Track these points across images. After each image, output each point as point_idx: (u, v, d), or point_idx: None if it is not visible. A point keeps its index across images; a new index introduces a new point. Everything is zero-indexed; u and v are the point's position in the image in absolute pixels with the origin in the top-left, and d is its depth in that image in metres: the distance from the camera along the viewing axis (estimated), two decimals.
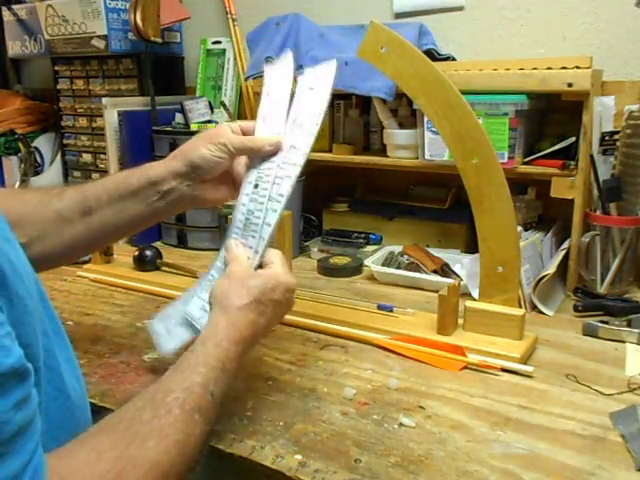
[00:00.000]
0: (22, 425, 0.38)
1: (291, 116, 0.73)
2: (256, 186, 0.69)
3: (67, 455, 0.43)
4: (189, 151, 0.71)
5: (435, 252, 1.10)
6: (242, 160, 0.74)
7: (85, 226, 0.70)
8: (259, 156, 0.71)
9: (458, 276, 1.01)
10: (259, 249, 0.67)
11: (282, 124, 0.72)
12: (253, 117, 0.91)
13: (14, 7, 1.51)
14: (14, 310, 0.41)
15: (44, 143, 1.61)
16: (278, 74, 0.77)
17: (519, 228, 0.95)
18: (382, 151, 1.18)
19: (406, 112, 1.15)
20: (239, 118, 1.46)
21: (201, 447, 0.52)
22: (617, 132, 0.97)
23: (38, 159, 1.59)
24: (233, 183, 0.74)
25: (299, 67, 1.16)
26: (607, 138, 0.97)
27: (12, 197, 0.72)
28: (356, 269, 1.12)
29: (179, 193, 0.71)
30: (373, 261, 1.09)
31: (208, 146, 0.70)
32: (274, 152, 0.70)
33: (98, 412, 0.63)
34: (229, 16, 1.44)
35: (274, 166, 0.70)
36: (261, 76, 1.15)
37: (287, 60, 0.77)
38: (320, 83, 0.74)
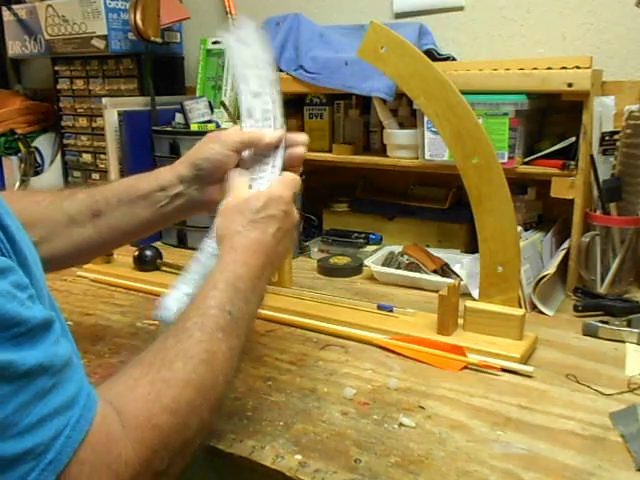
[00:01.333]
0: (66, 358, 0.42)
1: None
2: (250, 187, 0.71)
3: (108, 386, 0.47)
4: (193, 155, 0.73)
5: (435, 252, 1.10)
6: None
7: (94, 229, 0.72)
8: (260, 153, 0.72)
9: (458, 276, 1.01)
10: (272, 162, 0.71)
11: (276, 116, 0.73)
12: None
13: (14, 7, 1.51)
14: (36, 292, 0.44)
15: (44, 143, 1.61)
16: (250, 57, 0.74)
17: (519, 228, 0.95)
18: (382, 151, 1.18)
19: (406, 112, 1.15)
20: (239, 118, 1.46)
21: (232, 362, 0.54)
22: (617, 132, 0.97)
23: (38, 159, 1.59)
24: None
25: (299, 67, 1.17)
26: (607, 138, 0.97)
27: (23, 198, 0.74)
28: (356, 269, 1.12)
29: (187, 197, 0.72)
30: (373, 261, 1.09)
31: (210, 146, 0.71)
32: (275, 144, 0.71)
33: None
34: (229, 16, 1.44)
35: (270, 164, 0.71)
36: None
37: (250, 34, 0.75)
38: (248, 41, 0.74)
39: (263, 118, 0.72)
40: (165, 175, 0.72)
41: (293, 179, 0.70)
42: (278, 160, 0.71)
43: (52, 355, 0.41)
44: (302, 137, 0.74)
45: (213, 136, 0.73)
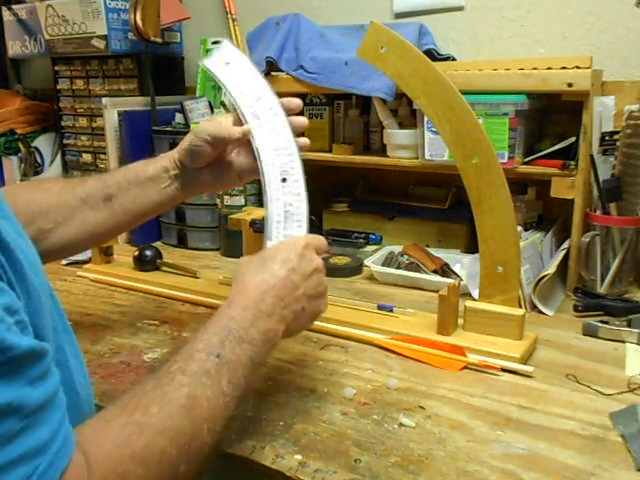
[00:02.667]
0: (45, 399, 0.39)
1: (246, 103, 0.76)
2: (284, 180, 0.72)
3: (80, 428, 0.44)
4: (181, 143, 0.78)
5: (435, 252, 1.10)
6: (243, 151, 0.79)
7: (108, 212, 0.76)
8: (264, 150, 0.74)
9: (458, 276, 1.01)
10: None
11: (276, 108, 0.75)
12: None
13: (14, 7, 1.51)
14: (31, 302, 0.42)
15: (44, 143, 1.61)
16: (237, 69, 0.78)
17: (519, 228, 0.95)
18: (382, 151, 1.18)
19: (406, 112, 1.15)
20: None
21: (221, 410, 0.50)
22: (617, 132, 0.97)
23: (38, 159, 1.59)
24: (234, 171, 0.80)
25: (299, 67, 1.17)
26: (607, 138, 0.97)
27: (32, 189, 0.77)
28: (356, 269, 1.12)
29: (182, 179, 0.79)
30: (373, 261, 1.09)
31: (191, 138, 0.77)
32: (243, 139, 0.75)
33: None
34: (229, 16, 1.44)
35: (295, 158, 0.73)
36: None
37: (231, 52, 0.79)
38: (232, 58, 0.79)
39: (270, 116, 0.75)
40: (165, 160, 0.79)
41: (315, 238, 0.67)
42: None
43: (25, 396, 0.38)
44: (295, 101, 0.76)
45: (196, 130, 0.77)
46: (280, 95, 0.76)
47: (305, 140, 0.77)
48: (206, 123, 0.78)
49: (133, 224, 0.82)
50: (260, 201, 1.25)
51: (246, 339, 0.55)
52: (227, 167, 0.79)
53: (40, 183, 0.78)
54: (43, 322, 0.44)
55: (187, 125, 1.27)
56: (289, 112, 0.75)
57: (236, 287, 0.60)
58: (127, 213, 0.77)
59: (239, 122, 0.76)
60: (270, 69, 1.17)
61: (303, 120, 0.77)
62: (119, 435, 0.43)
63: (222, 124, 0.76)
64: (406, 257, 1.07)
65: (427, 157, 1.06)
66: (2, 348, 0.36)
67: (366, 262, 1.09)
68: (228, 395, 0.51)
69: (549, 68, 0.94)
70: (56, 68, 1.51)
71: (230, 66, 0.78)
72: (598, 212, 0.97)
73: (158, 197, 0.78)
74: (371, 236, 1.24)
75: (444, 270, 1.05)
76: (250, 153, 0.76)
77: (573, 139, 0.99)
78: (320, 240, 0.68)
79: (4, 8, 1.52)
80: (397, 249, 1.12)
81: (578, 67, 0.92)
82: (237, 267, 0.64)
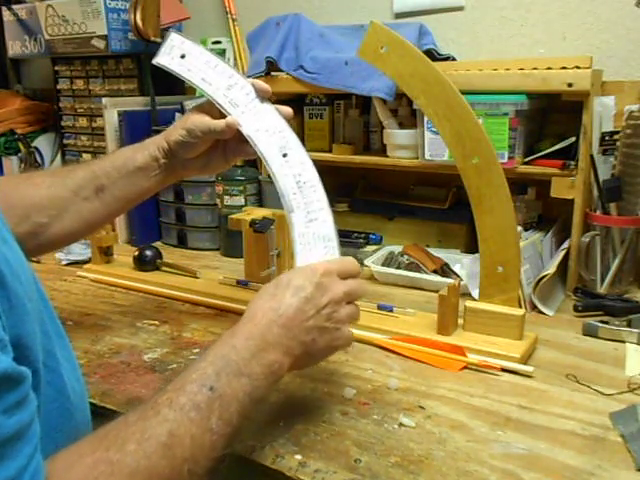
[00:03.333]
0: (18, 429, 0.37)
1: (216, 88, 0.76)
2: (285, 155, 0.72)
3: (52, 459, 0.41)
4: (169, 135, 0.79)
5: (435, 252, 1.10)
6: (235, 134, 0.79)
7: (100, 202, 0.78)
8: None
9: (458, 276, 1.01)
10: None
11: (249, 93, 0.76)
12: None
13: (14, 7, 1.51)
14: (13, 311, 0.41)
15: (44, 143, 1.61)
16: (195, 61, 0.78)
17: (519, 228, 0.95)
18: (382, 151, 1.18)
19: (406, 112, 1.15)
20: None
21: (207, 450, 0.46)
22: (617, 132, 0.97)
23: (38, 159, 1.59)
24: (222, 156, 0.81)
25: (299, 67, 1.17)
26: (607, 138, 0.97)
27: (22, 184, 0.77)
28: None
29: (172, 166, 0.80)
30: (373, 261, 1.09)
31: (180, 132, 0.77)
32: (231, 132, 0.75)
33: (98, 412, 0.63)
34: (229, 16, 1.44)
35: (287, 134, 0.73)
36: (262, 75, 1.16)
37: (181, 43, 0.78)
38: (187, 50, 0.78)
39: (249, 101, 0.75)
40: (153, 148, 0.79)
41: (340, 262, 0.64)
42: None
43: None
44: (265, 87, 0.76)
45: (184, 121, 0.78)
46: (280, 95, 0.77)
47: (287, 109, 0.77)
48: (195, 118, 0.77)
49: (126, 209, 0.84)
50: (260, 201, 1.25)
51: (245, 372, 0.51)
52: (216, 153, 0.81)
53: (29, 178, 0.78)
54: (28, 329, 0.42)
55: None
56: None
57: (245, 314, 0.57)
58: (119, 201, 0.79)
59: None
60: (270, 69, 1.18)
61: (287, 109, 0.77)
62: (88, 474, 0.40)
63: (209, 119, 0.76)
64: (406, 257, 1.07)
65: (427, 157, 1.06)
66: None
67: (366, 262, 1.09)
68: (216, 433, 0.47)
69: (549, 68, 0.94)
70: (56, 68, 1.51)
71: (187, 58, 0.77)
72: (598, 212, 0.97)
73: (148, 184, 0.79)
74: (371, 236, 1.24)
75: (444, 270, 1.05)
76: (236, 136, 0.76)
77: (573, 139, 0.99)
78: (346, 264, 0.63)
79: (4, 8, 1.52)
80: (397, 249, 1.12)
81: (578, 67, 0.92)
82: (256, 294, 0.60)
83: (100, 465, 0.40)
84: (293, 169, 0.71)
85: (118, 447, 0.42)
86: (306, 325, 0.57)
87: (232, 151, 0.81)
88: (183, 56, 0.77)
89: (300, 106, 1.25)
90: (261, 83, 0.76)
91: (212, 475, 0.48)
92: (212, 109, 0.77)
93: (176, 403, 0.46)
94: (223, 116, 0.76)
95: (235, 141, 0.78)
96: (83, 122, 1.48)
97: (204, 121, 0.76)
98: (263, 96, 0.76)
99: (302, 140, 1.27)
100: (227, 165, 0.84)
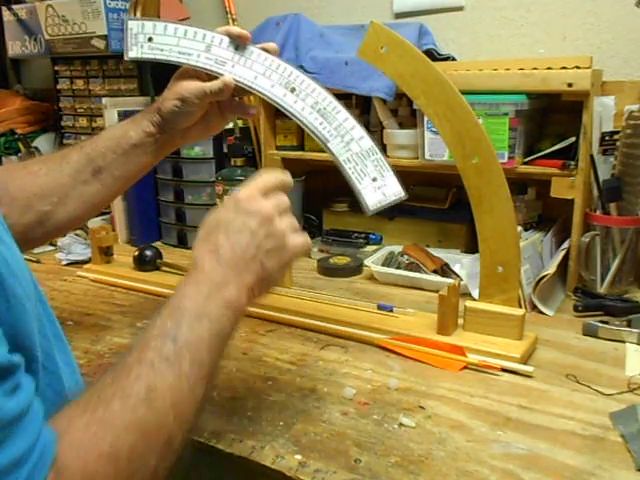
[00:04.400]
0: (21, 409, 0.38)
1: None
2: (293, 90, 0.72)
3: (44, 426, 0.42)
4: (162, 107, 0.77)
5: (435, 252, 1.10)
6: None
7: (100, 184, 0.77)
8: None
9: (458, 276, 1.01)
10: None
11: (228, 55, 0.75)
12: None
13: (14, 7, 1.51)
14: (12, 311, 0.41)
15: (44, 143, 1.61)
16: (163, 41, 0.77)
17: (519, 228, 0.95)
18: (382, 151, 1.18)
19: (406, 112, 1.15)
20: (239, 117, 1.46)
21: (187, 394, 0.47)
22: (617, 132, 0.97)
23: None
24: (219, 115, 0.80)
25: (299, 67, 1.16)
26: (607, 138, 0.97)
27: (20, 174, 0.76)
28: (356, 269, 1.12)
29: (171, 137, 0.79)
30: (373, 261, 1.09)
31: (174, 102, 0.75)
32: (229, 90, 0.74)
33: None
34: (229, 16, 1.44)
35: (285, 68, 0.72)
36: None
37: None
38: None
39: (233, 53, 0.74)
40: (146, 124, 0.77)
41: (258, 182, 0.60)
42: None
43: (0, 407, 0.37)
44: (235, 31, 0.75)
45: (175, 91, 0.76)
46: None
47: (272, 45, 0.76)
48: (187, 85, 0.75)
49: (130, 184, 0.82)
50: None
51: (204, 314, 0.51)
52: (213, 114, 0.80)
53: (25, 167, 0.77)
54: (27, 329, 0.43)
55: None
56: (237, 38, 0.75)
57: (190, 266, 0.56)
58: (119, 180, 0.78)
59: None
60: None
61: (273, 45, 0.76)
62: (83, 435, 0.41)
63: (201, 83, 0.75)
64: (406, 257, 1.07)
65: (427, 157, 1.06)
66: None
67: (366, 262, 1.09)
68: (192, 378, 0.47)
69: (549, 68, 0.94)
70: (56, 68, 1.51)
71: (155, 39, 0.76)
72: (598, 212, 0.97)
73: (146, 159, 0.79)
74: (371, 236, 1.24)
75: (444, 270, 1.05)
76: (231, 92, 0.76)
77: (573, 139, 0.99)
78: (265, 181, 0.60)
79: (4, 8, 1.52)
80: (397, 249, 1.12)
81: (578, 67, 0.92)
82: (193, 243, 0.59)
83: (92, 426, 0.41)
84: (307, 100, 0.70)
85: (104, 407, 0.43)
86: (249, 255, 0.56)
87: (228, 108, 0.80)
88: (150, 39, 0.76)
89: None
90: (236, 30, 0.74)
91: (177, 465, 0.47)
92: (198, 70, 0.75)
93: (145, 360, 0.46)
94: (211, 77, 0.75)
95: (229, 97, 0.77)
96: (83, 122, 1.48)
97: (198, 86, 0.74)
98: (245, 43, 0.74)
99: (302, 139, 1.28)
100: (225, 123, 0.82)
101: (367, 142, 0.71)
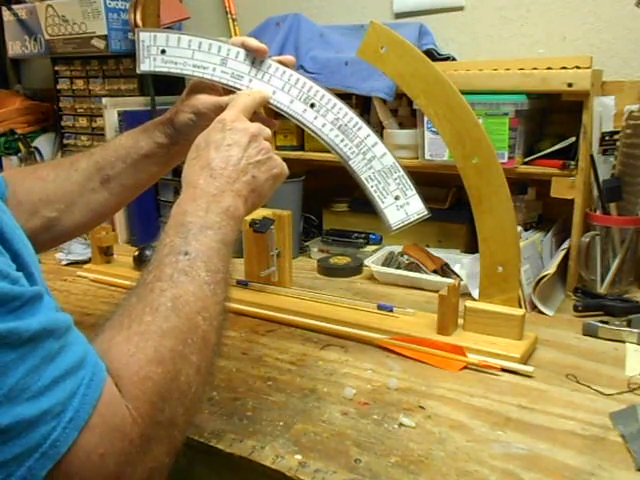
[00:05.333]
0: (68, 322, 0.43)
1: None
2: (312, 105, 0.70)
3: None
4: (175, 119, 0.76)
5: (435, 252, 1.10)
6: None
7: (108, 192, 0.77)
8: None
9: (458, 276, 1.01)
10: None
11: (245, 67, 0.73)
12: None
13: (14, 7, 1.51)
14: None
15: (44, 143, 1.61)
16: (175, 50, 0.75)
17: (519, 228, 0.95)
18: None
19: (406, 112, 1.15)
20: None
21: (210, 298, 0.51)
22: (617, 132, 0.97)
23: (38, 159, 1.59)
24: None
25: (299, 67, 1.16)
26: (607, 138, 0.97)
27: (28, 178, 0.76)
28: (356, 269, 1.12)
29: (182, 147, 0.76)
30: (373, 261, 1.09)
31: (188, 115, 0.75)
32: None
33: None
34: (229, 16, 1.44)
35: (304, 83, 0.71)
36: None
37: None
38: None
39: (250, 67, 0.72)
40: (156, 133, 0.77)
41: (241, 103, 0.66)
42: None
43: (54, 319, 0.41)
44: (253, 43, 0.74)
45: (189, 104, 0.75)
46: None
47: (289, 58, 0.75)
48: (203, 99, 0.74)
49: (139, 192, 0.82)
50: None
51: (207, 225, 0.55)
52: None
53: (35, 171, 0.77)
54: None
55: None
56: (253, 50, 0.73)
57: (183, 186, 0.60)
58: (127, 189, 0.78)
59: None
60: None
61: (290, 58, 0.75)
62: (128, 347, 0.45)
63: (217, 97, 0.74)
64: (406, 257, 1.07)
65: (427, 157, 1.06)
66: (14, 296, 0.39)
67: (366, 262, 1.09)
68: (211, 283, 0.52)
69: (549, 68, 0.94)
70: (56, 68, 1.51)
71: (168, 52, 0.74)
72: (598, 212, 0.97)
73: (156, 169, 0.79)
74: (371, 236, 1.24)
75: (444, 270, 1.05)
76: None
77: (573, 139, 0.99)
78: (246, 103, 0.66)
79: (4, 8, 1.52)
80: (397, 249, 1.12)
81: (578, 67, 0.92)
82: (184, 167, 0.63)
83: (133, 338, 0.45)
84: (328, 116, 0.69)
85: (138, 322, 0.46)
86: (240, 166, 0.61)
87: None
88: (163, 51, 0.74)
89: None
90: (253, 43, 0.73)
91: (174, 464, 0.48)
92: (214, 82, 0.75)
93: (164, 275, 0.50)
94: (227, 90, 0.74)
95: None
96: (83, 122, 1.47)
97: (215, 101, 0.74)
98: (261, 56, 0.73)
99: (302, 139, 1.28)
100: None
101: (389, 159, 0.70)
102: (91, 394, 0.40)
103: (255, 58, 0.73)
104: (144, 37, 0.74)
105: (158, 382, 0.44)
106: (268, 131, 0.66)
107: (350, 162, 0.69)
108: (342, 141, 0.70)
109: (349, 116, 0.70)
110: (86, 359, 0.42)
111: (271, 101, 0.72)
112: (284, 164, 0.67)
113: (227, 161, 0.60)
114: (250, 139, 0.63)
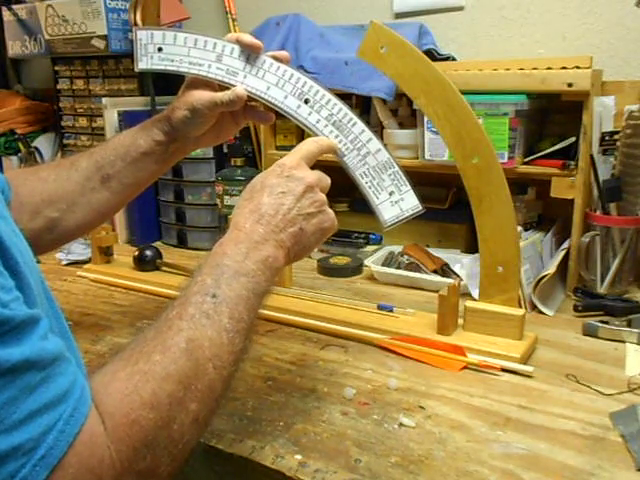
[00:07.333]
0: (57, 352, 0.41)
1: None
2: (307, 101, 0.70)
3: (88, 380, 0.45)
4: (172, 116, 0.76)
5: (435, 252, 1.10)
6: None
7: (109, 191, 0.77)
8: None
9: (458, 276, 1.01)
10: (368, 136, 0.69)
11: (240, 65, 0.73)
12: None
13: (14, 7, 1.51)
14: (27, 300, 0.42)
15: (44, 143, 1.61)
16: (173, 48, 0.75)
17: (519, 228, 0.95)
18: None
19: (406, 112, 1.15)
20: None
21: (227, 347, 0.49)
22: (617, 132, 0.97)
23: (38, 159, 1.59)
24: (234, 120, 0.80)
25: (299, 67, 1.16)
26: (607, 138, 0.97)
27: (30, 179, 0.76)
28: (356, 269, 1.12)
29: (183, 145, 0.78)
30: (373, 261, 1.09)
31: (184, 112, 0.74)
32: (241, 101, 0.73)
33: None
34: (229, 16, 1.44)
35: (298, 78, 0.71)
36: None
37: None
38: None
39: (245, 63, 0.73)
40: (155, 131, 0.77)
41: (305, 151, 0.65)
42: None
43: (39, 350, 0.39)
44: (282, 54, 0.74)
45: (185, 101, 0.74)
46: None
47: (284, 53, 0.74)
48: (198, 95, 0.74)
49: (140, 190, 0.82)
50: None
51: (242, 272, 0.53)
52: (225, 122, 0.79)
53: (36, 172, 0.77)
54: None
55: None
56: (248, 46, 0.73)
57: (230, 225, 0.59)
58: (128, 187, 0.78)
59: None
60: None
61: (284, 54, 0.74)
62: (127, 385, 0.44)
63: (212, 93, 0.74)
64: (406, 257, 1.07)
65: (427, 157, 1.06)
66: (2, 321, 0.37)
67: (366, 262, 1.09)
68: (231, 331, 0.50)
69: (549, 68, 0.94)
70: (56, 68, 1.51)
71: (165, 49, 0.74)
72: (598, 212, 0.97)
73: (156, 167, 0.79)
74: (371, 236, 1.24)
75: (444, 270, 1.05)
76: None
77: (573, 139, 0.99)
78: (310, 150, 0.65)
79: (4, 8, 1.52)
80: (397, 249, 1.12)
81: (578, 67, 0.92)
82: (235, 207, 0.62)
83: (135, 376, 0.44)
84: (322, 112, 0.69)
85: (145, 359, 0.45)
86: (290, 216, 0.60)
87: (241, 114, 0.79)
88: (160, 49, 0.74)
89: None
90: (247, 38, 0.73)
91: (184, 467, 0.48)
92: (209, 79, 0.74)
93: (186, 314, 0.49)
94: (223, 85, 0.74)
95: (243, 105, 0.76)
96: (83, 122, 1.48)
97: (209, 97, 0.73)
98: (256, 52, 0.73)
99: (302, 140, 1.28)
100: (238, 128, 0.82)
101: (384, 155, 0.70)
102: (69, 430, 0.39)
103: (250, 54, 0.73)
104: (141, 35, 0.75)
105: (146, 428, 0.42)
106: (327, 182, 0.65)
107: (344, 158, 0.69)
108: (336, 137, 0.70)
109: (343, 112, 0.70)
110: (70, 392, 0.40)
111: (265, 97, 0.72)
112: (335, 219, 0.66)
113: (277, 209, 0.59)
114: (305, 189, 0.61)
